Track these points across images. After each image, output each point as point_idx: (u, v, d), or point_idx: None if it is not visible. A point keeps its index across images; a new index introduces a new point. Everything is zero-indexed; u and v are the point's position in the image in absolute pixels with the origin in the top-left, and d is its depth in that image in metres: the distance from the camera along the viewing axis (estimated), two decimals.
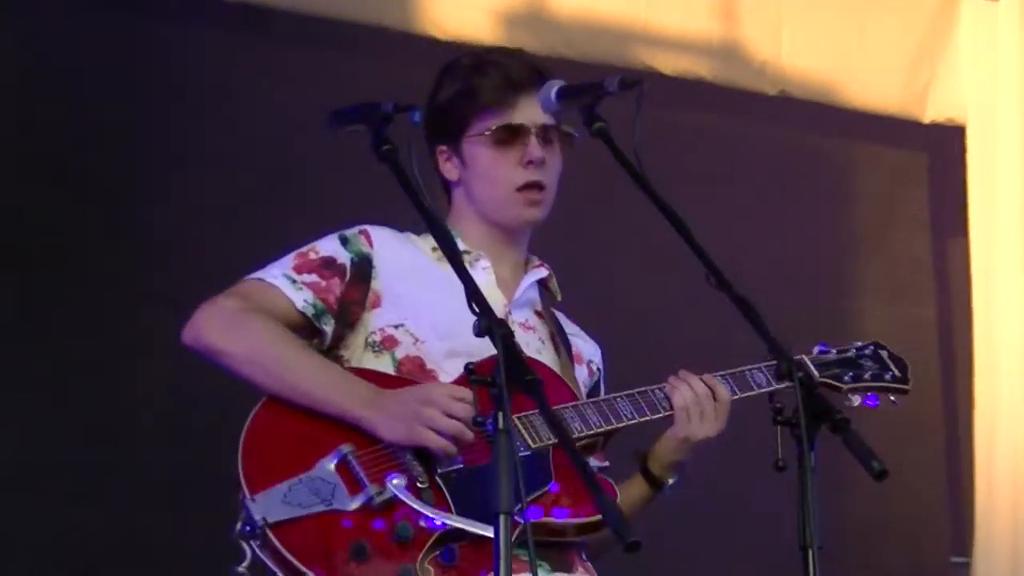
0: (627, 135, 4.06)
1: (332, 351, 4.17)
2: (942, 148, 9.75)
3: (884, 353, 4.72)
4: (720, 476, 8.09)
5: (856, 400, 4.59)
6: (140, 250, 6.83)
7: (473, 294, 3.58)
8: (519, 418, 3.88)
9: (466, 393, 3.84)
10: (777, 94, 8.93)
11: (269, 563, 3.74)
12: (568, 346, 4.40)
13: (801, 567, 3.83)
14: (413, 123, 3.96)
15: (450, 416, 3.80)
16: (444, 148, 4.37)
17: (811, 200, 9.15)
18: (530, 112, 4.33)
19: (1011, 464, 9.32)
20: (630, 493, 3.97)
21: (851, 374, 4.56)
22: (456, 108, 4.39)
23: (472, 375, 3.56)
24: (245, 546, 3.75)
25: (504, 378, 3.38)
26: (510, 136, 4.32)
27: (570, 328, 4.49)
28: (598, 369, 4.58)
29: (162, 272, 6.76)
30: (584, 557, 4.19)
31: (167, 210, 6.89)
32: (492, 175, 4.26)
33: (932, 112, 9.62)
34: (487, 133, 4.32)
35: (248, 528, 3.73)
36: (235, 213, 6.98)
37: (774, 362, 4.13)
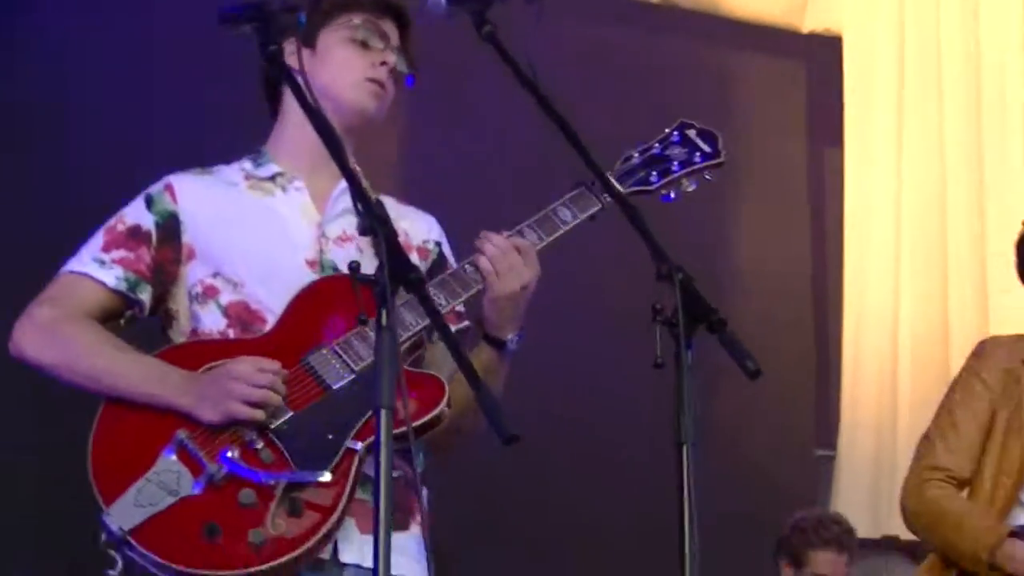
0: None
1: (162, 306, 4.14)
2: (820, 58, 9.78)
3: (692, 132, 4.50)
4: (599, 374, 8.16)
5: (673, 194, 4.40)
6: None
7: (358, 194, 3.57)
8: (338, 344, 3.94)
9: (270, 364, 3.82)
10: (661, 2, 8.91)
11: (140, 564, 3.73)
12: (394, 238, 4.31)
13: (675, 462, 3.81)
14: (299, 24, 3.97)
15: (256, 386, 3.77)
16: (296, 39, 4.28)
17: (691, 107, 9.10)
18: (394, 36, 4.34)
19: (876, 362, 9.45)
20: (480, 360, 3.90)
21: (657, 172, 4.36)
22: (329, 6, 4.34)
23: (355, 274, 3.49)
24: (114, 554, 3.75)
25: (386, 275, 3.37)
26: (373, 38, 4.29)
27: (399, 212, 4.32)
28: (436, 244, 4.46)
29: None
30: (423, 501, 3.98)
31: None
32: (347, 63, 4.21)
33: (811, 22, 9.69)
34: (354, 24, 4.28)
35: (111, 538, 3.73)
36: None
37: (576, 192, 4.19)
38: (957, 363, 8.50)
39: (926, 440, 4.88)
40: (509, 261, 3.93)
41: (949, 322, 9.49)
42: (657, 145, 4.41)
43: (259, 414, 3.77)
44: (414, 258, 4.20)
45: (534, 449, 6.42)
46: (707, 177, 4.50)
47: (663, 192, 4.36)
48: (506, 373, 4.14)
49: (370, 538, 3.33)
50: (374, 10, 4.33)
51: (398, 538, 3.70)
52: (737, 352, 3.83)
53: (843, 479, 9.21)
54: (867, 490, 9.21)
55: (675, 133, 4.48)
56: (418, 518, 4.01)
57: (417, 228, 4.38)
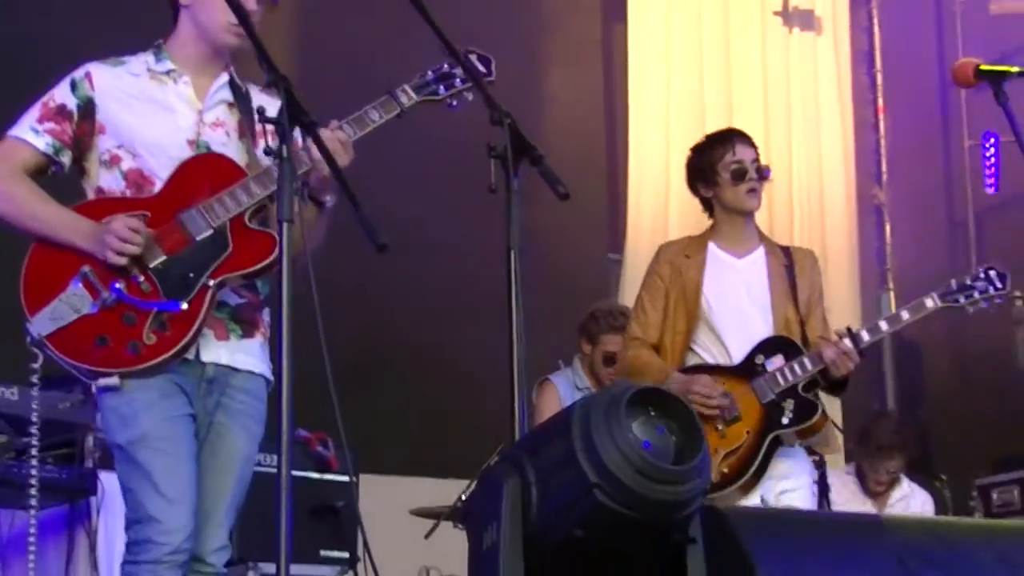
0: None
1: (77, 165, 4.26)
2: None
3: (473, 56, 4.40)
4: (445, 200, 8.15)
5: (456, 102, 4.37)
6: None
7: (262, 56, 3.69)
8: (203, 206, 4.09)
9: (135, 222, 4.02)
10: None
11: (56, 360, 4.06)
12: (252, 123, 4.34)
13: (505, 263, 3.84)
14: None
15: (121, 239, 3.98)
16: None
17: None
18: None
19: (653, 184, 9.54)
20: (306, 215, 4.01)
21: (444, 86, 4.37)
22: None
23: (261, 115, 3.69)
24: (37, 351, 4.10)
25: (286, 119, 3.56)
26: None
27: (258, 96, 4.36)
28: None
29: None
30: (264, 318, 4.26)
31: None
32: (218, 6, 4.18)
33: None
34: None
35: (32, 342, 4.05)
36: None
37: (383, 99, 4.28)
38: None
39: (633, 312, 5.26)
40: (333, 147, 3.94)
41: None
42: (445, 66, 4.38)
43: (120, 260, 3.99)
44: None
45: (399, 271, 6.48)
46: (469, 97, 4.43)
47: (448, 101, 4.38)
48: (325, 224, 4.24)
49: (225, 343, 4.08)
50: None
51: (246, 343, 4.15)
52: (551, 179, 3.86)
53: (628, 277, 9.30)
54: None
55: (464, 53, 4.37)
56: (262, 329, 4.22)
57: (272, 107, 4.36)
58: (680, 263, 5.14)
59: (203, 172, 4.15)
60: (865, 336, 4.98)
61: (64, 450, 5.60)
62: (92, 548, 5.44)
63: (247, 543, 4.95)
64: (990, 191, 9.82)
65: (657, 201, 9.51)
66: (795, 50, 10.08)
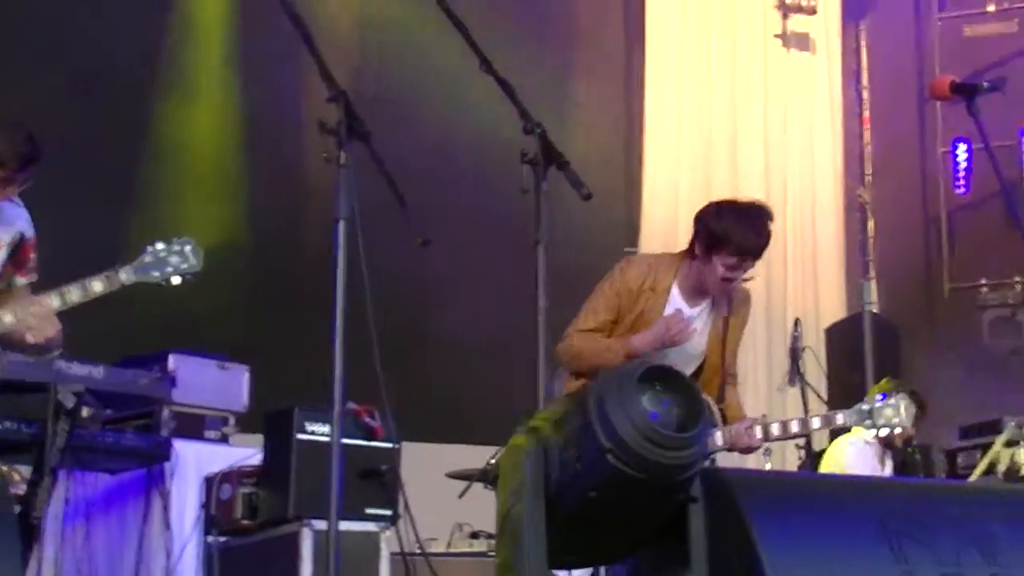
0: None
1: None
2: None
3: None
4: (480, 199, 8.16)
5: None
6: None
7: (323, 72, 3.51)
8: None
9: None
10: None
11: None
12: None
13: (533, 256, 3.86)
14: None
15: None
16: None
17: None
18: None
19: (669, 178, 9.56)
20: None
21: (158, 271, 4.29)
22: None
23: (324, 127, 3.56)
24: None
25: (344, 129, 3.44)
26: None
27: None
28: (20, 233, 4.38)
29: None
30: None
31: None
32: None
33: None
34: None
35: None
36: None
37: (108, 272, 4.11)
38: (715, 191, 8.80)
39: (583, 308, 4.72)
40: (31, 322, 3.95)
41: (712, 160, 9.65)
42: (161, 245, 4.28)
43: None
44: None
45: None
46: None
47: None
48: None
49: None
50: None
51: None
52: (575, 181, 3.88)
53: None
54: None
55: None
56: None
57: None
58: (645, 291, 4.69)
59: None
60: (774, 431, 4.64)
61: (142, 421, 5.62)
62: (165, 508, 5.46)
63: (302, 501, 4.97)
64: (961, 192, 9.80)
65: (668, 200, 9.54)
66: (792, 68, 10.10)
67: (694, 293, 4.67)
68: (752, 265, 4.62)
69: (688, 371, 4.59)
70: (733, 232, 4.54)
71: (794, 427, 4.73)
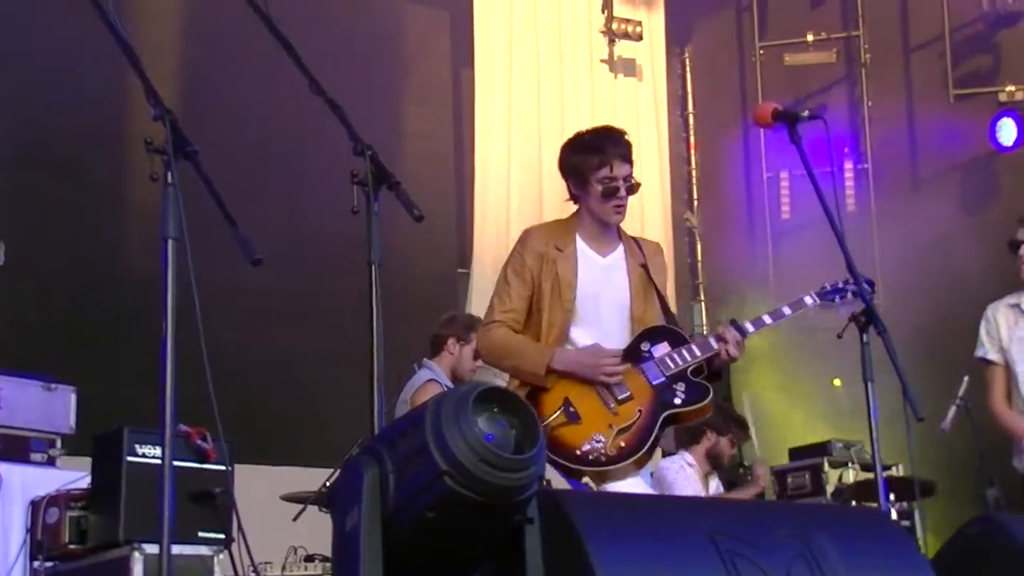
0: None
1: None
2: (459, 6, 9.73)
3: None
4: (311, 220, 8.07)
5: None
6: None
7: (148, 91, 3.48)
8: None
9: None
10: None
11: None
12: None
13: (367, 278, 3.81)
14: None
15: None
16: None
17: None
18: None
19: (499, 202, 9.61)
20: None
21: None
22: None
23: (151, 147, 3.44)
24: None
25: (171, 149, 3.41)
26: None
27: None
28: None
29: None
30: None
31: None
32: None
33: None
34: None
35: None
36: None
37: None
38: (547, 213, 8.85)
39: (493, 299, 4.74)
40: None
41: (542, 182, 9.72)
42: None
43: None
44: None
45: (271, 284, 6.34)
46: None
47: None
48: None
49: None
50: None
51: None
52: (407, 203, 3.83)
53: (475, 289, 9.33)
54: (489, 297, 9.32)
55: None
56: None
57: None
58: (552, 254, 4.67)
59: None
60: (749, 327, 4.71)
61: None
62: None
63: (133, 525, 4.85)
64: (785, 216, 10.03)
65: (499, 222, 9.59)
66: (620, 94, 10.24)
67: (599, 238, 4.74)
68: (628, 170, 4.70)
69: (620, 323, 4.71)
70: (591, 145, 4.70)
71: (767, 319, 4.79)
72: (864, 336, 4.36)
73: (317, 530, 5.46)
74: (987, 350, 5.95)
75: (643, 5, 10.36)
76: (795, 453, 8.95)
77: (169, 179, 3.42)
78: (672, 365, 4.66)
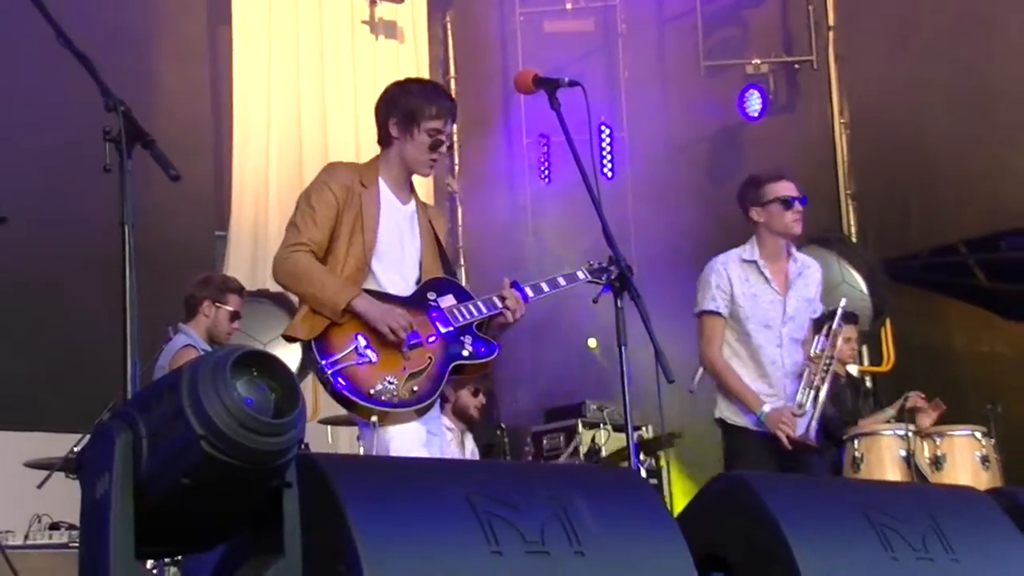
0: None
1: None
2: None
3: None
4: (62, 178, 7.80)
5: None
6: None
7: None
8: None
9: None
10: None
11: None
12: None
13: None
14: None
15: None
16: None
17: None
18: None
19: (258, 162, 9.49)
20: None
21: None
22: None
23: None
24: None
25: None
26: None
27: None
28: None
29: None
30: None
31: None
32: None
33: None
34: None
35: None
36: None
37: None
38: (307, 175, 8.76)
39: (292, 226, 4.65)
40: None
41: (302, 144, 9.65)
42: None
43: None
44: None
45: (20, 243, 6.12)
46: None
47: None
48: None
49: None
50: None
51: None
52: (162, 162, 3.74)
53: (232, 252, 9.22)
54: (248, 259, 9.26)
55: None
56: None
57: None
58: (357, 189, 4.65)
59: None
60: (529, 292, 4.78)
61: None
62: None
63: None
64: (545, 183, 10.16)
65: (258, 183, 9.49)
66: (381, 55, 10.21)
67: (402, 185, 4.77)
68: (451, 128, 4.80)
69: (414, 268, 4.77)
70: (430, 96, 4.73)
71: (544, 287, 4.87)
72: (619, 302, 4.47)
73: (64, 497, 5.30)
74: (719, 304, 5.98)
75: None
76: (551, 414, 9.12)
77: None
78: (460, 318, 4.72)
